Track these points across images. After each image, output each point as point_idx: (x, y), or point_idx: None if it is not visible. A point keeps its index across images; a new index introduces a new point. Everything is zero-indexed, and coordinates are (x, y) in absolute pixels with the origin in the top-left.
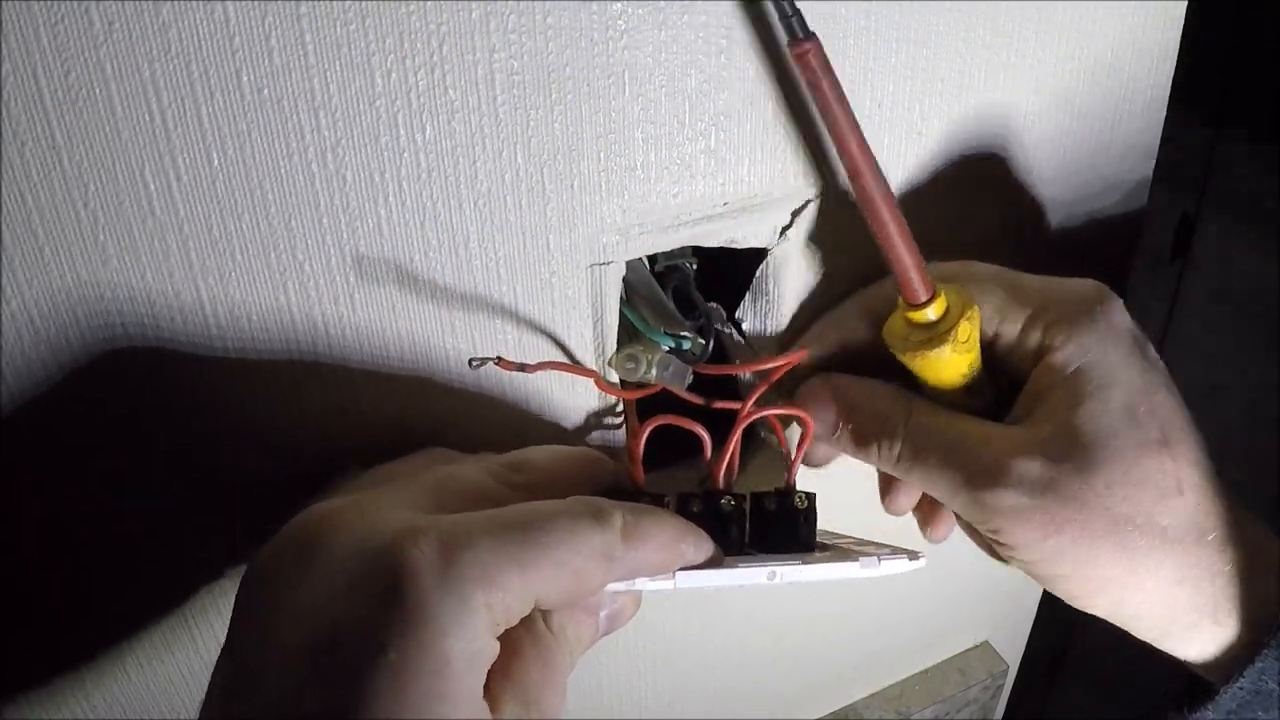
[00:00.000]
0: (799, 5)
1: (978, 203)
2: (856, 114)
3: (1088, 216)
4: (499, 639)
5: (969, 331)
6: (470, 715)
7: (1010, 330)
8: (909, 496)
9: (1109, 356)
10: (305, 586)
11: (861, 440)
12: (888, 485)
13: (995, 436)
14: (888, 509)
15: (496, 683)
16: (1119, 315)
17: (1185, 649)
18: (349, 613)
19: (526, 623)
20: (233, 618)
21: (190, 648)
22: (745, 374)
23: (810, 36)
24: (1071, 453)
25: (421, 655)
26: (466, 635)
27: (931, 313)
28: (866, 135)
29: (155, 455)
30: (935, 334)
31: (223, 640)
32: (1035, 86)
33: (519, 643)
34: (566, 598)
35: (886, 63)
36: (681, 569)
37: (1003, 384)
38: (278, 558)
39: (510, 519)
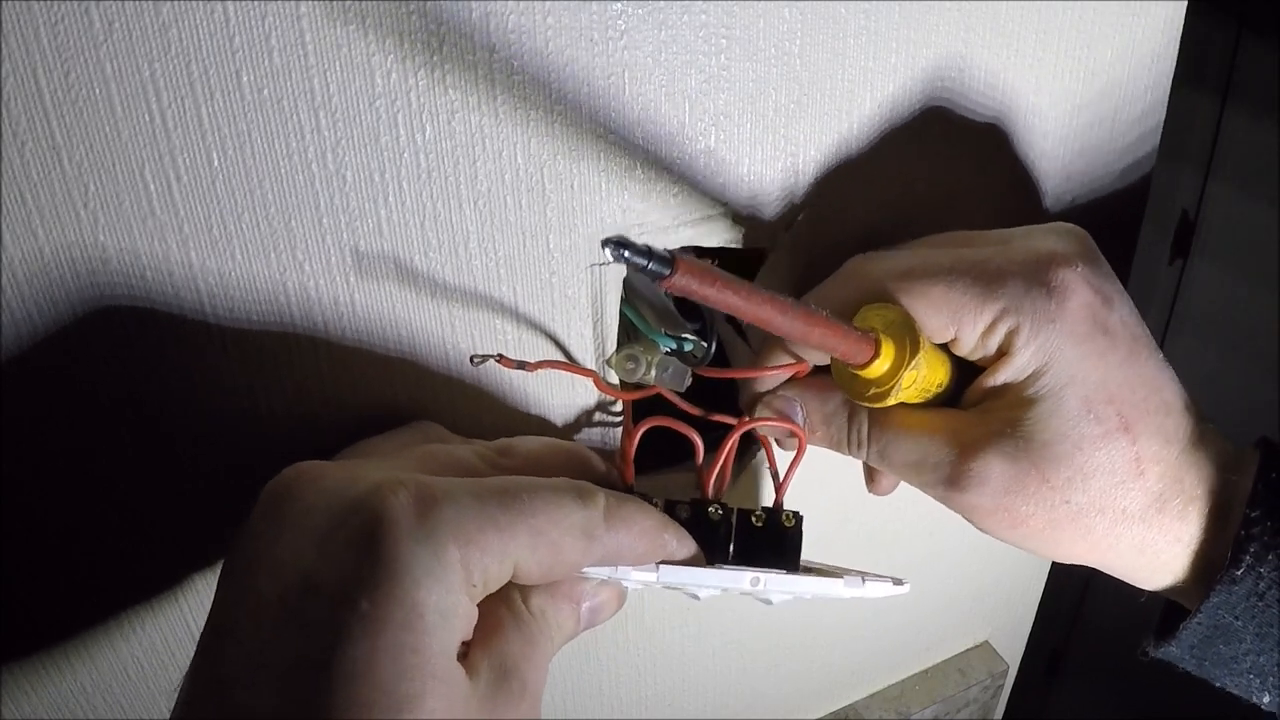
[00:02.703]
0: (648, 245)
1: (973, 205)
2: (856, 116)
3: (1087, 216)
4: (478, 611)
5: (913, 378)
6: (441, 671)
7: (970, 334)
8: (890, 480)
9: (1065, 353)
10: (281, 539)
11: (830, 447)
12: (870, 471)
13: (955, 433)
14: (872, 491)
15: (475, 653)
16: (1076, 295)
17: (1152, 587)
18: (323, 561)
19: (507, 602)
20: (218, 579)
21: (190, 647)
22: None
23: (671, 269)
24: (1030, 453)
25: (393, 606)
26: (440, 589)
27: (876, 368)
28: (867, 139)
29: (154, 454)
30: (882, 389)
31: None
32: (1035, 86)
33: (500, 619)
34: (545, 571)
35: (886, 62)
36: (664, 563)
37: (964, 367)
38: (256, 513)
39: (492, 485)
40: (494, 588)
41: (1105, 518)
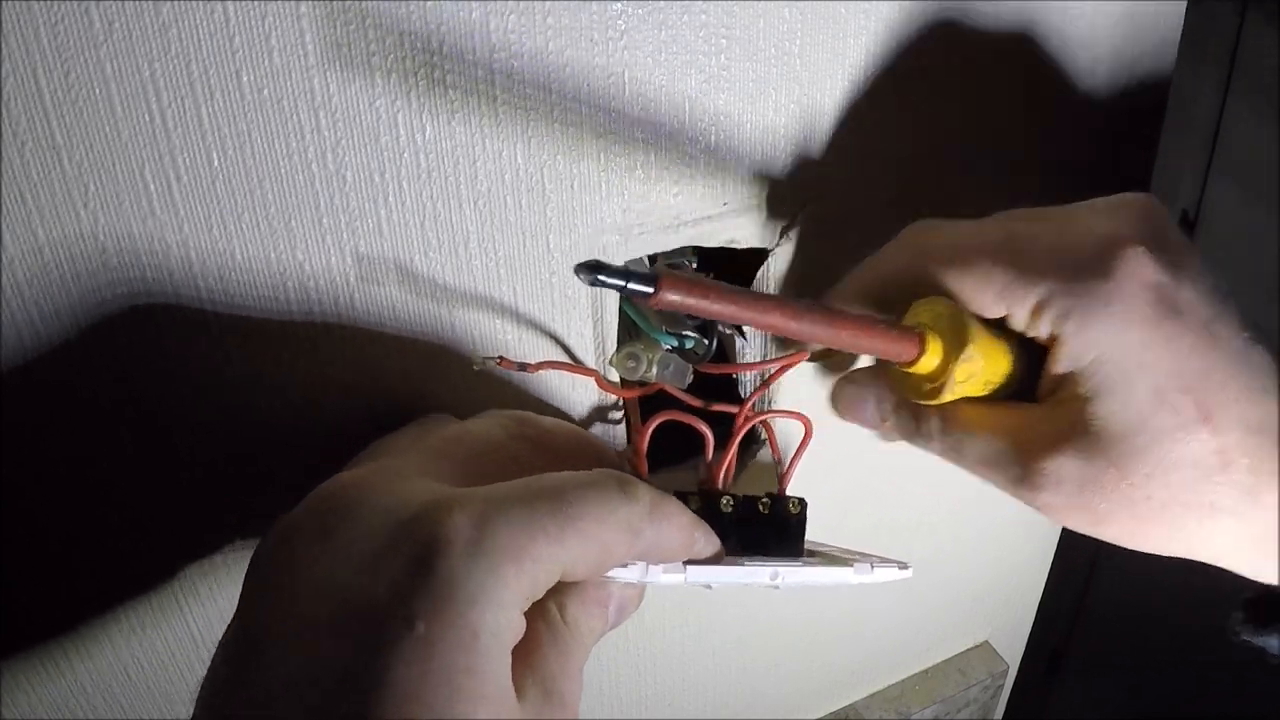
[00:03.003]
0: (625, 266)
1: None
2: (856, 116)
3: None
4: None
5: (968, 372)
6: (493, 691)
7: (1020, 313)
8: None
9: (1127, 338)
10: (330, 556)
11: (902, 438)
12: None
13: (1024, 429)
14: None
15: (518, 671)
16: (1136, 276)
17: (1264, 579)
18: (377, 583)
19: (543, 615)
20: (245, 591)
21: (191, 648)
22: (746, 374)
23: (656, 286)
24: (1105, 449)
25: (449, 628)
26: (494, 607)
27: (926, 363)
28: (867, 139)
29: (154, 453)
30: (936, 384)
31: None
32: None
33: (536, 634)
34: (592, 570)
35: (886, 63)
36: (689, 562)
37: (1034, 358)
38: (299, 528)
39: (538, 486)
40: (542, 594)
41: (1193, 513)
